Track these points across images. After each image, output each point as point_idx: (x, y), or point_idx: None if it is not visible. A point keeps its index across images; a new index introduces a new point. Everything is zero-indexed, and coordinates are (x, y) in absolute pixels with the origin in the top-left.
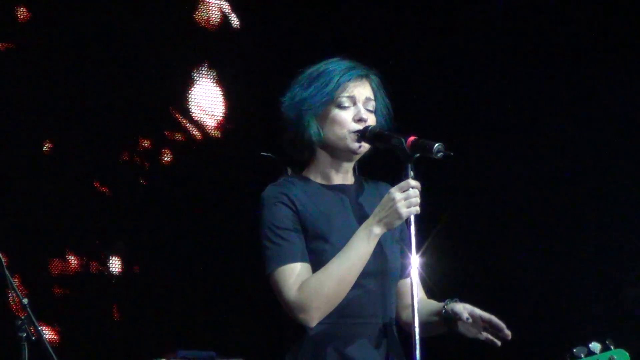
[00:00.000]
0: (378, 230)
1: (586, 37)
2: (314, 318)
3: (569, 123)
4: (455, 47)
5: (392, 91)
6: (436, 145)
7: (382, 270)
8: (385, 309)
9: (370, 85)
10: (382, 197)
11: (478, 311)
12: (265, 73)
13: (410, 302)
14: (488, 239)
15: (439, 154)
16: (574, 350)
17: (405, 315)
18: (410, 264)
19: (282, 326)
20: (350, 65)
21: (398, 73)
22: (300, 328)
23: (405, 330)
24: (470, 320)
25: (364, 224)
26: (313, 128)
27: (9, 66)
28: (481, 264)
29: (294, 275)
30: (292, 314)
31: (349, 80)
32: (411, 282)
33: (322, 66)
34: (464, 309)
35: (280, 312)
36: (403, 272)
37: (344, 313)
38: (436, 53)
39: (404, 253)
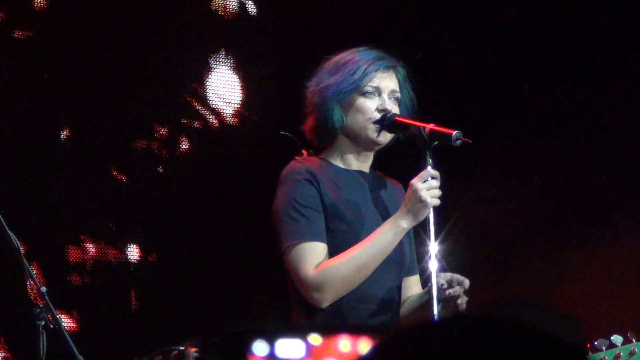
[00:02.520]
0: (405, 225)
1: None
2: (326, 299)
3: (591, 109)
4: (476, 35)
5: (415, 81)
6: (454, 132)
7: (397, 261)
8: (394, 300)
9: (397, 77)
10: (394, 194)
11: (450, 275)
12: (282, 60)
13: (406, 298)
14: (506, 228)
15: (457, 142)
16: (596, 342)
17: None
18: (419, 260)
19: (291, 304)
20: (379, 56)
21: (418, 62)
22: (310, 308)
23: None
24: (445, 285)
25: (392, 218)
26: (336, 115)
27: (26, 54)
28: (499, 253)
29: (313, 253)
30: (306, 292)
31: (376, 71)
32: (429, 270)
33: (350, 54)
34: (443, 278)
35: (291, 289)
36: (410, 269)
37: (356, 298)
38: (456, 41)
39: (413, 250)
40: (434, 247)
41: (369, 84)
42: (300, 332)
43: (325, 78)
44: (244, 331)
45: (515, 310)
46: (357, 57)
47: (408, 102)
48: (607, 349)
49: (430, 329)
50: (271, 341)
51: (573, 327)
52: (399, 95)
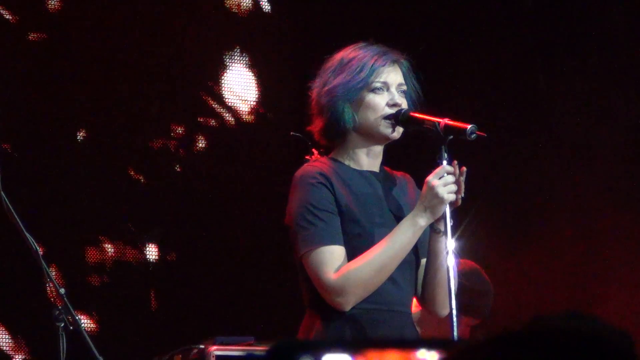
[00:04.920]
0: (423, 222)
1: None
2: (349, 302)
3: (612, 103)
4: (490, 27)
5: (422, 75)
6: (470, 126)
7: (410, 260)
8: (409, 299)
9: (401, 70)
10: (405, 190)
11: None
12: (297, 57)
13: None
14: (523, 222)
15: (472, 136)
16: None
17: None
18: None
19: (305, 305)
20: (382, 51)
21: (427, 56)
22: (326, 310)
23: None
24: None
25: (409, 216)
26: (348, 114)
27: (41, 56)
28: (517, 248)
29: (332, 257)
30: (328, 297)
31: (382, 66)
32: (447, 266)
33: (352, 51)
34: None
35: (305, 291)
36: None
37: (374, 300)
38: (470, 34)
39: (425, 247)
40: (450, 243)
41: (377, 79)
42: (347, 346)
43: (331, 78)
44: (289, 345)
45: (563, 322)
46: (360, 53)
47: (413, 94)
48: None
49: (489, 348)
50: (317, 355)
51: (624, 340)
52: (405, 88)
